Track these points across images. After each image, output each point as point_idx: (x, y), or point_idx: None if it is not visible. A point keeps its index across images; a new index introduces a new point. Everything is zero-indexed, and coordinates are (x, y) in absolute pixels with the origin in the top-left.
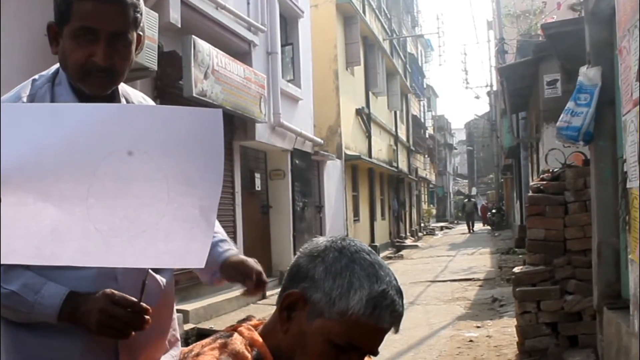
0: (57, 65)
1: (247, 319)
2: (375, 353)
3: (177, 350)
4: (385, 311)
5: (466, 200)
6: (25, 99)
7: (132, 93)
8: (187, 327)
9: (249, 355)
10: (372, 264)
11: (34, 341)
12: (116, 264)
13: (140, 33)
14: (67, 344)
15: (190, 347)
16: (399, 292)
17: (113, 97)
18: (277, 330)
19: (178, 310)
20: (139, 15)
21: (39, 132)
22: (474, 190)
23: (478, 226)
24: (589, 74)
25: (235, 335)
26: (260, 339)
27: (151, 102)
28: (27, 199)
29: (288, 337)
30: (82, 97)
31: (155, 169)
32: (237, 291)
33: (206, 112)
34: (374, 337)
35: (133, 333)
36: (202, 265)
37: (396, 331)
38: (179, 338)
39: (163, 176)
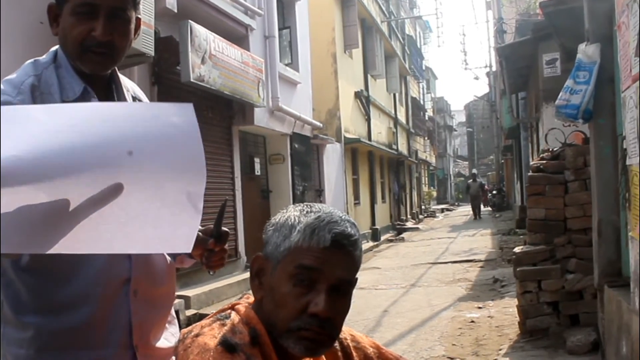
0: (54, 48)
1: (244, 297)
2: (345, 281)
3: (175, 328)
4: (323, 230)
5: (470, 180)
6: (32, 79)
7: (127, 80)
8: (189, 312)
9: (247, 333)
10: (310, 206)
11: (45, 320)
12: (106, 251)
13: (140, 17)
14: (82, 321)
15: (189, 327)
16: (345, 220)
17: (112, 78)
18: (261, 302)
19: (180, 296)
20: None
21: (33, 131)
22: (474, 172)
23: None
24: (587, 51)
25: (233, 314)
26: (256, 316)
27: (140, 92)
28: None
29: (266, 302)
30: (83, 77)
31: (141, 163)
32: (238, 276)
33: (179, 107)
34: (326, 259)
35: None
36: (189, 250)
37: (347, 252)
38: (175, 316)
39: (149, 171)
